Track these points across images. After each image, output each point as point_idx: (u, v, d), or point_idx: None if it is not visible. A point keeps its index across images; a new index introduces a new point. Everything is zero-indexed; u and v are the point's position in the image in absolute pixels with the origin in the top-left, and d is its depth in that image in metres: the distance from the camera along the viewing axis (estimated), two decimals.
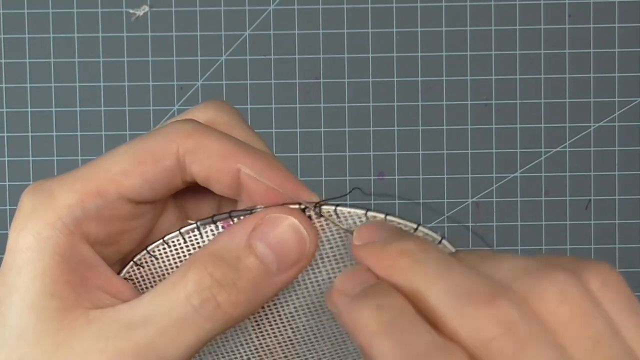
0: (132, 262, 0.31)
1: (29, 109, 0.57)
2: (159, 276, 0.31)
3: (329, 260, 0.29)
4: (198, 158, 0.29)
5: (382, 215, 0.28)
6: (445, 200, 0.57)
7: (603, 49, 0.57)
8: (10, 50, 0.57)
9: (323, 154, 0.57)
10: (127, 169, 0.29)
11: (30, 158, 0.57)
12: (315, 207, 0.28)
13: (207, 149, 0.29)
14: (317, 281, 0.30)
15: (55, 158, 0.57)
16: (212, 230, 0.30)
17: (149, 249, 0.30)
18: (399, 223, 0.28)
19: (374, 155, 0.57)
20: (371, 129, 0.57)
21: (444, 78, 0.57)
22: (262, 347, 0.31)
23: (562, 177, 0.57)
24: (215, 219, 0.29)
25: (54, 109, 0.57)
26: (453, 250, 0.28)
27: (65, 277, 0.28)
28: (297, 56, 0.57)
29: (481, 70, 0.57)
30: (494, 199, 0.57)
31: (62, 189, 0.28)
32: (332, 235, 0.29)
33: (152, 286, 0.31)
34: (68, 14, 0.57)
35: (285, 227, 0.28)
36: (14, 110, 0.57)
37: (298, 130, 0.57)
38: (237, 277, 0.28)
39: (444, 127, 0.57)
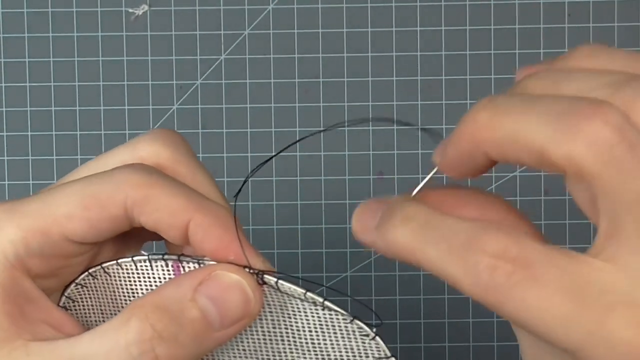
0: (86, 272, 0.31)
1: (28, 108, 0.57)
2: (102, 297, 0.31)
3: (266, 323, 0.30)
4: (146, 210, 0.29)
5: (320, 299, 0.28)
6: None
7: None
8: (10, 50, 0.57)
9: (322, 153, 0.57)
10: (72, 212, 0.29)
11: (30, 157, 0.57)
12: (258, 274, 0.29)
13: (155, 203, 0.29)
14: (252, 340, 0.30)
15: (54, 157, 0.57)
16: (162, 267, 0.30)
17: (104, 265, 0.30)
18: (336, 311, 0.28)
19: (373, 155, 0.57)
20: (370, 128, 0.57)
21: (444, 77, 0.57)
22: None
23: (562, 176, 0.57)
24: (165, 257, 0.30)
25: (53, 108, 0.57)
26: (388, 352, 0.28)
27: (6, 308, 0.28)
28: (296, 55, 0.57)
29: (480, 70, 0.57)
30: None
31: (7, 224, 0.29)
32: (272, 300, 0.29)
33: (92, 307, 0.31)
34: (67, 13, 0.57)
35: (232, 284, 0.28)
36: (13, 110, 0.57)
37: (297, 129, 0.57)
38: (179, 330, 0.28)
39: (444, 126, 0.57)
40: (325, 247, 0.57)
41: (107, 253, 0.32)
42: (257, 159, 0.57)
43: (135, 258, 0.30)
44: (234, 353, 0.30)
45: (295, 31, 0.57)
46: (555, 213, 0.57)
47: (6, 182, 0.56)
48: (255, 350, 0.30)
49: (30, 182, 0.56)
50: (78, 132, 0.57)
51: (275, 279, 0.29)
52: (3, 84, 0.57)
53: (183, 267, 0.30)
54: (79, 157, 0.57)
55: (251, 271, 0.29)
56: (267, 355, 0.30)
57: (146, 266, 0.30)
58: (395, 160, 0.57)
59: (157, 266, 0.30)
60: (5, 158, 0.57)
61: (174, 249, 0.31)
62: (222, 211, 0.30)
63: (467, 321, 0.57)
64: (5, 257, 0.28)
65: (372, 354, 0.29)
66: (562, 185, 0.60)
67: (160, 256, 0.30)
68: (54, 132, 0.57)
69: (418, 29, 0.57)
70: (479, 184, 0.57)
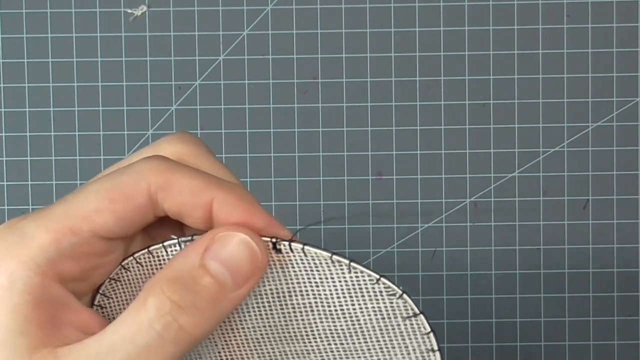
0: (120, 265, 0.31)
1: (27, 109, 0.57)
2: (136, 290, 0.31)
3: (295, 295, 0.30)
4: (170, 195, 0.30)
5: (346, 261, 0.29)
6: (443, 200, 0.57)
7: (601, 49, 0.57)
8: (8, 50, 0.57)
9: (321, 153, 0.57)
10: (100, 207, 0.29)
11: (29, 158, 0.57)
12: (277, 241, 0.30)
13: (178, 186, 0.30)
14: (283, 314, 0.31)
15: (53, 158, 0.57)
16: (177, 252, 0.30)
17: (135, 255, 0.31)
18: (362, 271, 0.29)
19: (372, 155, 0.57)
20: (369, 128, 0.57)
21: (442, 78, 0.57)
22: None
23: (560, 177, 0.57)
24: (194, 238, 0.30)
25: (52, 109, 0.57)
26: (416, 309, 0.29)
27: (35, 315, 0.28)
28: (295, 56, 0.57)
29: (479, 70, 0.57)
30: (492, 199, 0.57)
31: (37, 229, 0.29)
32: (299, 271, 0.30)
33: (127, 302, 0.32)
34: (66, 14, 0.57)
35: (237, 243, 0.29)
36: (11, 110, 0.57)
37: (296, 130, 0.57)
38: (196, 297, 0.28)
39: (442, 127, 0.57)
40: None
41: (136, 248, 0.32)
42: (256, 160, 0.57)
43: (165, 243, 0.30)
44: (266, 330, 0.31)
45: (294, 32, 0.57)
46: (555, 213, 0.57)
47: (5, 183, 0.56)
48: (287, 324, 0.31)
49: (29, 182, 0.56)
50: (77, 133, 0.57)
51: (302, 245, 0.29)
52: (2, 85, 0.57)
53: None
54: (77, 157, 0.57)
55: (272, 239, 0.29)
56: (297, 327, 0.30)
57: (177, 250, 0.30)
58: (394, 161, 0.57)
59: (170, 251, 0.30)
60: (4, 159, 0.57)
61: None
62: (242, 189, 0.31)
63: (467, 322, 0.57)
64: (35, 263, 0.28)
65: (400, 313, 0.29)
66: (561, 186, 0.60)
67: (190, 237, 0.30)
68: (52, 133, 0.57)
69: (417, 29, 0.57)
70: (478, 184, 0.57)
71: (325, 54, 0.57)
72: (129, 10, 0.57)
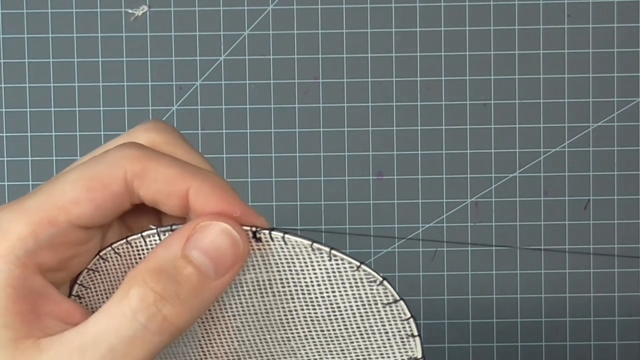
0: (97, 256, 0.31)
1: (28, 109, 0.57)
2: (114, 280, 0.31)
3: (276, 283, 0.30)
4: (145, 182, 0.30)
5: (326, 249, 0.29)
6: (444, 200, 0.57)
7: (602, 49, 0.57)
8: (9, 50, 0.57)
9: (322, 153, 0.57)
10: (77, 196, 0.29)
11: (29, 158, 0.57)
12: (257, 230, 0.30)
13: (154, 173, 0.30)
14: (264, 302, 0.31)
15: (54, 158, 0.57)
16: (156, 242, 0.30)
17: (114, 246, 0.31)
18: (342, 259, 0.29)
19: (373, 155, 0.57)
20: (370, 129, 0.57)
21: (443, 78, 0.57)
22: (209, 354, 0.32)
23: (561, 177, 0.57)
24: (174, 228, 0.30)
25: (52, 109, 0.57)
26: (396, 296, 0.29)
27: (17, 308, 0.28)
28: (296, 56, 0.57)
29: (480, 71, 0.57)
30: (493, 199, 0.57)
31: (14, 222, 0.29)
32: (280, 259, 0.30)
33: (105, 292, 0.32)
34: (67, 14, 0.57)
35: (218, 232, 0.29)
36: (12, 110, 0.57)
37: (297, 130, 0.57)
38: (178, 288, 0.28)
39: (443, 127, 0.57)
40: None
41: (112, 237, 0.32)
42: (257, 160, 0.57)
43: (144, 233, 0.30)
44: (246, 318, 0.31)
45: (295, 32, 0.57)
46: (555, 213, 0.57)
47: (6, 183, 0.56)
48: (267, 312, 0.31)
49: (30, 182, 0.57)
50: (78, 133, 0.57)
51: (282, 234, 0.29)
52: (3, 85, 0.57)
53: None
54: (78, 158, 0.57)
55: (253, 229, 0.29)
56: (278, 314, 0.30)
57: (155, 240, 0.30)
58: (394, 161, 0.57)
59: (150, 242, 0.30)
60: (5, 159, 0.57)
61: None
62: (218, 177, 0.31)
63: (467, 322, 0.57)
64: (15, 256, 0.28)
65: (380, 300, 0.29)
66: (561, 186, 0.60)
67: (169, 227, 0.30)
68: (53, 133, 0.57)
69: (418, 29, 0.57)
70: (479, 184, 0.57)
71: (326, 54, 0.57)
72: (130, 11, 0.57)
